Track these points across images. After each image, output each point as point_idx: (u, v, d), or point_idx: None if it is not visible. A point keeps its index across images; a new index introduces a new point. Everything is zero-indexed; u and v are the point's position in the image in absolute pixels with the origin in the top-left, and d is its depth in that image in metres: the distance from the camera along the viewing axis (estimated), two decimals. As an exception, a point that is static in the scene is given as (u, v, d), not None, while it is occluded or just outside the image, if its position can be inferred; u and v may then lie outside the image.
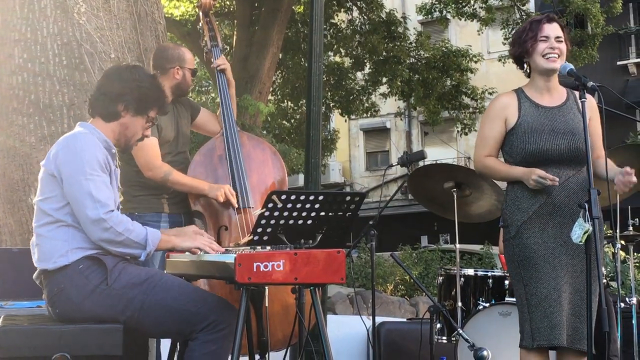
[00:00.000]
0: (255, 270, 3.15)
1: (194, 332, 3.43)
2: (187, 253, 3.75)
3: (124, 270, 3.50)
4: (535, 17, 4.19)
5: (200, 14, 5.14)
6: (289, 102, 18.91)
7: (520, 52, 4.13)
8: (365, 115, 19.98)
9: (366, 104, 18.84)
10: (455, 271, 5.58)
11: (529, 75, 4.20)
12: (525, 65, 4.18)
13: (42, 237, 3.53)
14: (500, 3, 17.64)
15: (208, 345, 3.41)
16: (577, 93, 3.99)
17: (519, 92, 4.18)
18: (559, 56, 4.02)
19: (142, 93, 3.65)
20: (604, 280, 5.64)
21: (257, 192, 4.63)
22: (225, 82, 4.89)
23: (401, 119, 26.79)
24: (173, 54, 4.80)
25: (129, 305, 3.43)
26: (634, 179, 3.89)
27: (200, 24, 5.17)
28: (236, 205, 4.52)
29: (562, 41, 4.06)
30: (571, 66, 3.87)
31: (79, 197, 3.43)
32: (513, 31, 16.48)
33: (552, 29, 4.06)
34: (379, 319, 6.40)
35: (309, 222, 3.41)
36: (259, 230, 3.38)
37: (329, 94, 18.25)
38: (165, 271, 4.02)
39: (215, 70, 4.97)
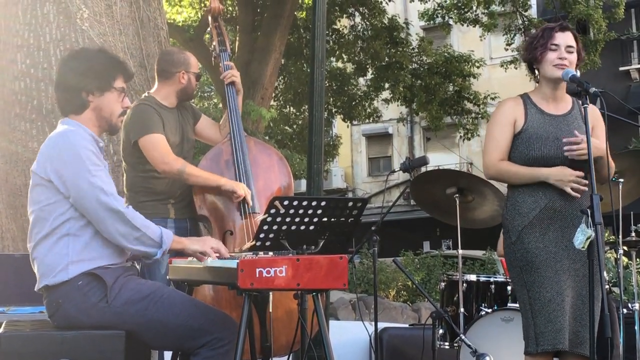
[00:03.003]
0: (257, 275, 3.15)
1: (195, 348, 3.39)
2: (189, 258, 3.74)
3: (125, 287, 3.44)
4: (549, 25, 4.15)
5: (209, 18, 5.13)
6: (291, 108, 18.94)
7: (530, 58, 4.12)
8: (367, 120, 20.04)
9: (368, 110, 18.89)
10: (458, 277, 5.57)
11: (537, 81, 4.19)
12: (535, 72, 4.17)
13: (41, 252, 3.44)
14: (502, 9, 17.65)
15: None
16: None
17: (525, 97, 4.17)
18: (567, 66, 3.99)
19: (96, 70, 3.56)
20: (607, 286, 5.63)
21: (263, 198, 4.61)
22: (234, 93, 4.88)
23: (403, 125, 26.82)
24: (178, 58, 4.79)
25: (129, 321, 3.38)
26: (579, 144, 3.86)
27: (209, 29, 5.16)
28: (250, 204, 4.51)
29: (572, 52, 4.03)
30: (574, 72, 3.86)
31: (91, 194, 3.34)
32: (516, 36, 16.53)
33: (564, 38, 4.04)
34: (381, 325, 6.39)
35: (312, 227, 3.41)
36: (262, 235, 3.38)
37: (331, 99, 18.28)
38: (168, 277, 4.02)
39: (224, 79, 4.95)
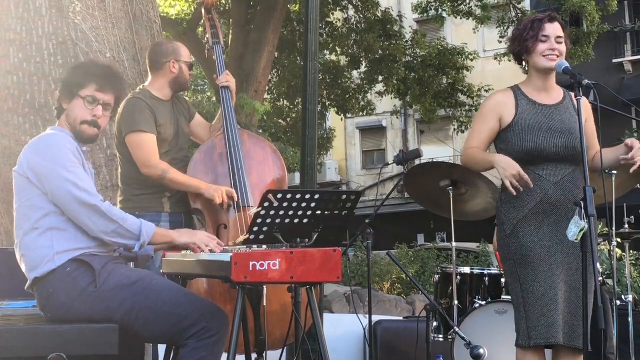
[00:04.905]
0: (251, 269, 3.15)
1: (184, 339, 3.40)
2: (183, 252, 3.74)
3: (114, 272, 3.46)
4: (537, 16, 4.16)
5: (203, 10, 5.11)
6: (285, 101, 18.91)
7: (520, 50, 4.12)
8: (361, 113, 20.02)
9: (362, 103, 18.87)
10: (452, 269, 5.58)
11: (526, 72, 4.20)
12: (524, 63, 4.17)
13: (26, 247, 3.50)
14: (496, 1, 17.67)
15: (198, 351, 3.36)
16: (573, 94, 3.99)
17: (516, 89, 4.17)
18: (558, 57, 4.01)
19: (68, 78, 3.68)
20: (600, 278, 5.64)
21: (257, 191, 4.61)
22: (230, 98, 4.86)
23: (397, 118, 26.79)
24: (167, 48, 4.78)
25: (118, 308, 3.39)
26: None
27: (202, 21, 5.14)
28: (231, 206, 4.50)
29: (562, 42, 4.05)
30: (567, 64, 3.86)
31: (64, 188, 3.40)
32: (509, 29, 16.51)
33: (554, 29, 4.05)
34: (375, 318, 6.40)
35: (305, 221, 3.41)
36: (255, 229, 3.38)
37: (325, 92, 18.26)
38: (161, 270, 4.02)
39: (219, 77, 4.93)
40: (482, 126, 4.14)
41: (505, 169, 3.91)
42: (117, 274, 3.47)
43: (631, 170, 3.89)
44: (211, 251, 3.57)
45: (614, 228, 5.44)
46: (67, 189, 3.40)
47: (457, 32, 24.88)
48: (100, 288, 3.40)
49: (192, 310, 3.43)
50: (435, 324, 5.54)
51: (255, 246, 3.42)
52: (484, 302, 5.44)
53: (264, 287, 3.94)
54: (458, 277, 5.58)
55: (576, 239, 3.57)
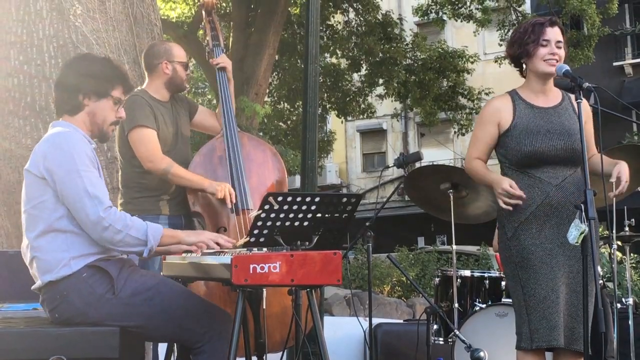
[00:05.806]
0: (251, 272, 3.15)
1: (195, 340, 3.46)
2: (184, 254, 3.74)
3: (130, 278, 3.48)
4: (538, 20, 4.16)
5: (203, 13, 5.10)
6: (285, 104, 18.92)
7: (520, 53, 4.13)
8: (361, 116, 20.04)
9: (362, 106, 18.89)
10: (452, 272, 5.58)
11: (524, 76, 4.20)
12: (523, 66, 4.17)
13: (40, 249, 3.45)
14: (496, 4, 17.67)
15: (217, 354, 3.46)
16: (572, 96, 4.00)
17: (513, 94, 4.18)
18: (557, 62, 4.02)
19: (97, 76, 3.58)
20: (601, 281, 5.64)
21: (256, 194, 4.60)
22: (226, 81, 4.85)
23: (397, 120, 26.79)
24: (159, 49, 4.77)
25: (134, 313, 3.43)
26: (623, 181, 3.90)
27: (202, 24, 5.13)
28: (230, 206, 4.49)
29: (561, 47, 4.06)
30: (567, 67, 3.86)
31: (75, 196, 3.36)
32: (510, 31, 16.51)
33: (554, 34, 4.05)
34: (375, 321, 6.40)
35: (306, 223, 3.41)
36: (256, 231, 3.38)
37: (326, 95, 18.27)
38: (162, 273, 4.02)
39: (215, 69, 4.92)
40: (482, 134, 4.18)
41: (496, 189, 4.02)
42: (133, 280, 3.49)
43: (611, 195, 3.94)
44: (221, 248, 3.58)
45: (614, 231, 5.43)
46: (79, 197, 3.36)
47: (458, 35, 24.89)
48: (119, 295, 3.43)
49: (205, 313, 3.52)
50: (435, 326, 5.54)
51: (255, 249, 3.42)
52: (484, 305, 5.44)
53: (264, 289, 3.94)
54: (458, 279, 5.58)
55: (577, 242, 3.56)
